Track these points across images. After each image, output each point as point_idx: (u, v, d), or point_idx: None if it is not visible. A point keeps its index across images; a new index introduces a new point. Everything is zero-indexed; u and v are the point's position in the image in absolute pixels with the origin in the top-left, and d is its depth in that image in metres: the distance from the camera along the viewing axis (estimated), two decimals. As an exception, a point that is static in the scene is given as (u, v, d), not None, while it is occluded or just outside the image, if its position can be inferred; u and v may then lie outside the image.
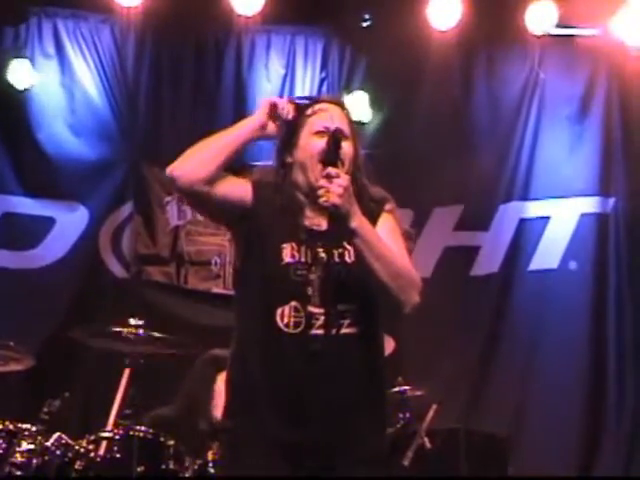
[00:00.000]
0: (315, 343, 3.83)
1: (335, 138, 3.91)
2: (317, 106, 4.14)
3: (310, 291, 3.88)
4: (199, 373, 5.92)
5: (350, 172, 3.93)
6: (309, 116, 4.10)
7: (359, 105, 8.01)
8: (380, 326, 4.04)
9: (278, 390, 3.88)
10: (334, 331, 3.85)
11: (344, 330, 3.88)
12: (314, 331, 3.85)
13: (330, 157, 3.88)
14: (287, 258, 3.92)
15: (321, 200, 3.79)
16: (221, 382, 5.67)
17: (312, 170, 3.94)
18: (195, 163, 3.85)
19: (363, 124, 7.99)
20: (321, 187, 3.80)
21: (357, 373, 3.92)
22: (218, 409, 5.70)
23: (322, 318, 3.84)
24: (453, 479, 5.53)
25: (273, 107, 3.97)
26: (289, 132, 4.09)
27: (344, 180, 3.79)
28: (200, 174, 3.82)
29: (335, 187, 3.78)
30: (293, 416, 3.85)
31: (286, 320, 3.88)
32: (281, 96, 7.75)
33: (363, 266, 3.85)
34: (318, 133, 4.00)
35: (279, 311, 3.89)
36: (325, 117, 4.06)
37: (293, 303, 3.89)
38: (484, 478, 5.27)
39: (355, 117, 4.28)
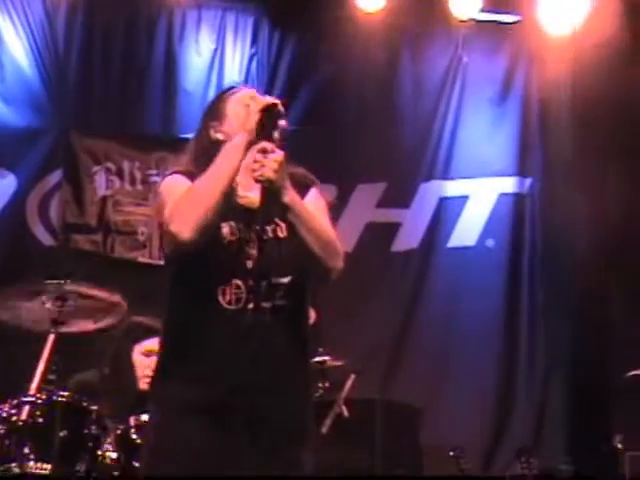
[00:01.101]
0: (253, 315, 3.83)
1: (271, 112, 3.89)
2: (232, 90, 4.20)
3: (249, 266, 3.88)
4: (120, 340, 5.88)
5: (283, 148, 3.94)
6: (234, 92, 4.13)
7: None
8: (309, 298, 4.07)
9: (215, 360, 3.88)
10: (270, 303, 3.88)
11: (278, 302, 3.91)
12: (250, 305, 3.85)
13: (265, 131, 3.86)
14: (227, 237, 3.92)
15: (256, 174, 3.80)
16: (138, 353, 5.74)
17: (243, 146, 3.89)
18: (195, 217, 3.80)
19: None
20: (256, 161, 3.79)
21: (289, 342, 3.96)
22: (141, 380, 5.69)
23: (260, 292, 3.84)
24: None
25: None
26: (214, 108, 4.12)
27: (279, 155, 3.80)
28: (203, 225, 3.80)
29: (270, 162, 3.79)
30: (228, 385, 3.84)
31: (228, 297, 3.90)
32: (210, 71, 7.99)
33: (296, 238, 3.87)
34: (241, 104, 4.00)
35: (221, 288, 3.89)
36: (252, 92, 4.07)
37: (234, 280, 3.89)
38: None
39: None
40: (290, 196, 3.85)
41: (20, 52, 7.85)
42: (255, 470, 3.80)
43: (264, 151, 3.81)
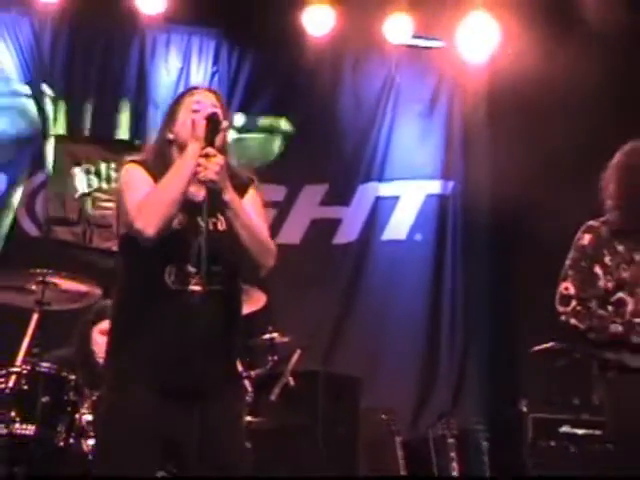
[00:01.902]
0: (193, 297, 3.84)
1: (212, 121, 3.90)
2: (193, 91, 4.15)
3: (192, 253, 3.86)
4: (83, 321, 5.86)
5: (225, 151, 3.97)
6: (186, 99, 4.09)
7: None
8: (241, 285, 4.09)
9: (160, 335, 3.85)
10: (208, 287, 3.85)
11: (215, 287, 3.89)
12: (192, 287, 3.86)
13: (209, 138, 3.87)
14: (175, 225, 3.88)
15: (200, 176, 3.81)
16: (96, 333, 5.72)
17: (187, 143, 3.92)
18: (158, 216, 3.79)
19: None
20: (200, 165, 3.80)
21: (223, 321, 3.95)
22: (100, 357, 5.65)
23: (200, 276, 3.83)
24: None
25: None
26: (169, 113, 4.10)
27: (220, 159, 3.81)
28: (164, 223, 3.80)
29: (212, 165, 3.80)
30: (172, 357, 3.83)
31: (172, 278, 3.87)
32: (177, 87, 7.93)
33: (232, 233, 3.87)
34: (194, 112, 3.98)
35: (167, 270, 3.86)
36: (199, 98, 4.06)
37: (179, 264, 3.88)
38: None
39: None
40: (230, 195, 3.86)
41: (11, 67, 7.80)
42: (202, 435, 3.76)
43: (207, 155, 3.81)
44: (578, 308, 4.47)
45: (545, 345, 6.64)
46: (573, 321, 4.46)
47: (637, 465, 4.37)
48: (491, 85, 8.30)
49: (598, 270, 4.52)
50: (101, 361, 5.52)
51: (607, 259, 4.53)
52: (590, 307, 4.47)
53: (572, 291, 4.51)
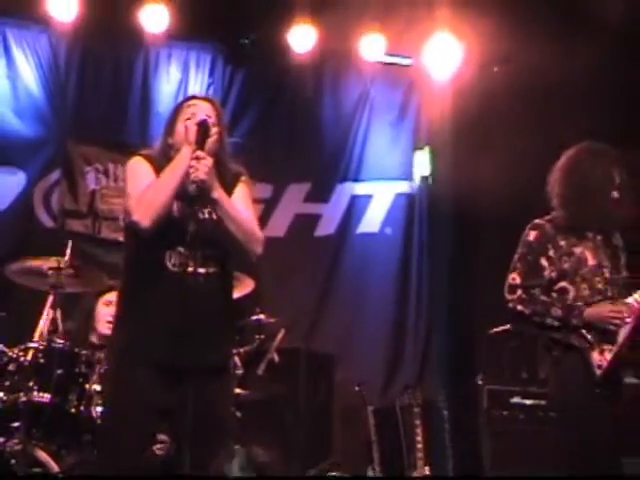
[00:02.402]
0: (190, 278, 3.88)
1: (202, 127, 3.97)
2: (190, 101, 4.22)
3: (188, 239, 3.90)
4: (88, 298, 5.88)
5: (215, 153, 4.02)
6: (183, 107, 4.17)
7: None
8: (233, 268, 4.15)
9: (162, 312, 3.90)
10: (204, 269, 3.92)
11: (210, 269, 3.95)
12: (190, 269, 3.89)
13: (200, 142, 3.94)
14: (175, 213, 3.95)
15: (192, 176, 3.88)
16: (100, 305, 5.77)
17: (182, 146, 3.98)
18: (154, 209, 3.86)
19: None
20: (191, 166, 3.87)
21: (217, 300, 4.01)
22: (101, 325, 5.69)
23: (196, 259, 3.89)
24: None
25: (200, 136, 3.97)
26: (169, 120, 4.17)
27: (209, 161, 3.90)
28: (159, 216, 3.86)
29: (202, 166, 3.88)
30: (172, 332, 3.86)
31: (173, 261, 3.92)
32: (177, 95, 7.95)
33: (221, 224, 3.94)
34: (188, 119, 4.05)
35: (168, 253, 3.92)
36: (193, 109, 4.12)
37: (178, 248, 3.92)
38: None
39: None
40: (217, 192, 3.92)
41: (30, 78, 7.78)
42: (196, 404, 3.80)
43: (197, 158, 3.89)
44: (523, 296, 4.55)
45: (500, 328, 6.68)
46: (519, 307, 4.55)
47: (575, 430, 4.44)
48: (454, 97, 8.27)
49: (543, 262, 4.59)
50: (104, 330, 5.63)
51: (551, 252, 4.60)
52: (534, 294, 4.54)
53: (518, 281, 4.59)
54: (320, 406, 7.48)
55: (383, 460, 6.96)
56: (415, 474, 6.81)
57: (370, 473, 6.90)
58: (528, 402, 6.55)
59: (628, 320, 4.47)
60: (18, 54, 7.77)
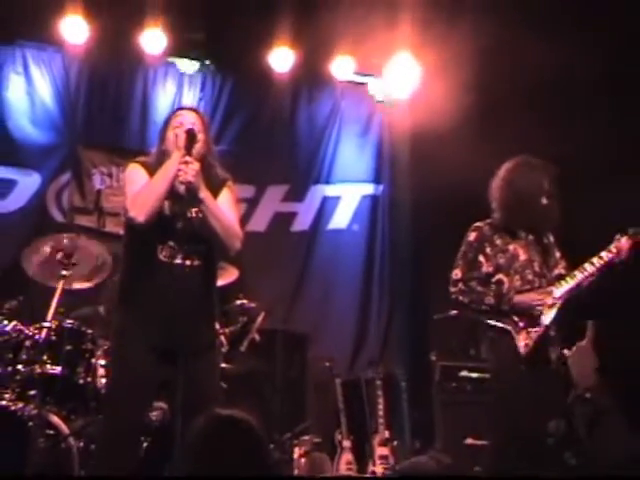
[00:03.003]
0: (178, 268, 3.93)
1: (190, 135, 4.02)
2: (178, 112, 4.26)
3: (177, 234, 3.95)
4: (113, 287, 5.91)
5: (202, 157, 4.07)
6: (172, 118, 4.20)
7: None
8: (216, 261, 4.18)
9: (155, 298, 3.93)
10: (190, 261, 3.97)
11: (196, 262, 3.99)
12: (178, 261, 3.94)
13: (188, 148, 3.99)
14: (166, 211, 3.99)
15: (180, 178, 3.93)
16: None
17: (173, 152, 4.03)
18: (147, 207, 3.90)
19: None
20: (180, 170, 3.92)
21: (200, 288, 4.04)
22: None
23: (184, 252, 3.95)
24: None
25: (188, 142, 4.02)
26: (162, 129, 4.22)
27: (196, 165, 3.95)
28: (151, 213, 3.89)
29: (190, 169, 3.93)
30: (164, 315, 3.90)
31: (164, 253, 3.96)
32: (172, 107, 7.94)
33: (206, 221, 3.97)
34: (177, 127, 4.10)
35: (160, 247, 3.96)
36: (180, 118, 4.16)
37: (169, 242, 3.96)
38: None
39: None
40: (203, 193, 3.96)
41: (46, 93, 7.80)
42: (188, 377, 3.84)
43: (186, 162, 3.95)
44: (463, 288, 4.65)
45: (444, 314, 6.74)
46: (460, 298, 4.67)
47: (503, 398, 4.57)
48: (412, 113, 8.28)
49: (481, 258, 4.69)
50: None
51: (488, 250, 4.70)
52: (471, 286, 4.64)
53: (460, 275, 4.69)
54: (295, 379, 7.49)
55: (349, 425, 6.97)
56: (377, 437, 6.90)
57: (338, 437, 6.91)
58: (474, 375, 6.61)
59: (550, 304, 4.60)
60: (35, 72, 7.80)
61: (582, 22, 6.66)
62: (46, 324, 5.39)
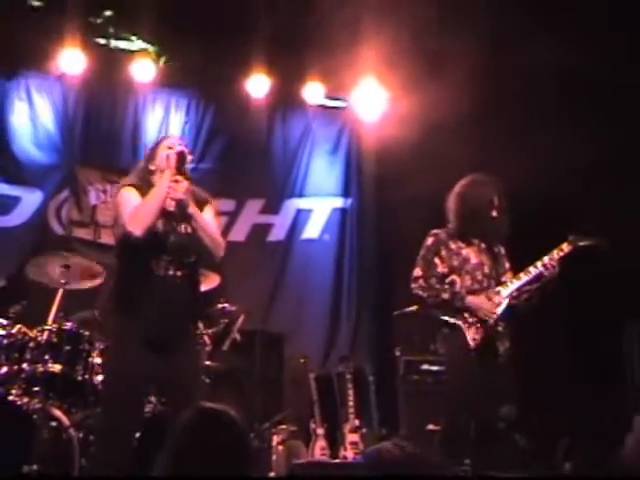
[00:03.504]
0: (171, 279, 3.96)
1: (181, 156, 4.06)
2: (169, 136, 4.40)
3: (169, 248, 3.97)
4: (105, 294, 5.90)
5: (188, 177, 4.10)
6: (163, 140, 4.24)
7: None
8: (200, 271, 4.24)
9: (148, 304, 3.95)
10: (180, 272, 4.00)
11: (185, 273, 4.04)
12: (170, 272, 3.97)
13: (179, 168, 4.03)
14: (160, 228, 4.00)
15: (171, 195, 3.98)
16: None
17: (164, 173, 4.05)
18: (144, 222, 3.90)
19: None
20: (170, 187, 3.96)
21: (189, 297, 4.07)
22: None
23: (175, 265, 3.97)
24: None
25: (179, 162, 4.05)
26: (151, 149, 4.22)
27: (186, 184, 4.01)
28: (148, 227, 3.90)
29: (180, 188, 3.99)
30: (156, 320, 3.94)
31: (157, 266, 3.98)
32: (161, 130, 7.99)
33: (195, 235, 4.00)
34: (169, 148, 4.13)
35: (154, 260, 3.98)
36: (171, 141, 4.20)
37: (161, 255, 3.98)
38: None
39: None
40: (192, 209, 4.02)
41: (47, 117, 7.78)
42: (176, 374, 3.88)
43: (176, 181, 3.99)
44: (423, 284, 4.76)
45: (402, 310, 6.84)
46: (420, 292, 4.77)
47: (454, 387, 4.70)
48: (379, 134, 8.28)
49: (437, 260, 4.81)
50: None
51: (443, 253, 4.82)
52: (430, 282, 4.75)
53: (420, 274, 4.80)
54: (273, 374, 7.44)
55: (323, 415, 6.97)
56: (348, 425, 6.93)
57: (312, 425, 6.93)
58: (434, 368, 6.56)
59: (497, 303, 4.70)
60: (38, 99, 7.79)
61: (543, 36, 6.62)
62: (47, 327, 5.39)
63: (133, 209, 3.97)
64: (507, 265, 4.93)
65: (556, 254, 4.71)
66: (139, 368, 3.93)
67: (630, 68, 6.72)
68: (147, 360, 3.93)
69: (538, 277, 4.73)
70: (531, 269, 4.73)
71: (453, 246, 4.81)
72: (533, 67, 6.71)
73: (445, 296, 4.69)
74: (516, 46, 6.62)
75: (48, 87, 7.82)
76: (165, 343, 3.93)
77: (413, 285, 4.77)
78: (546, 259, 4.71)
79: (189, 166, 4.24)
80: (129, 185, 4.15)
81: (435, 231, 4.89)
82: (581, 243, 4.76)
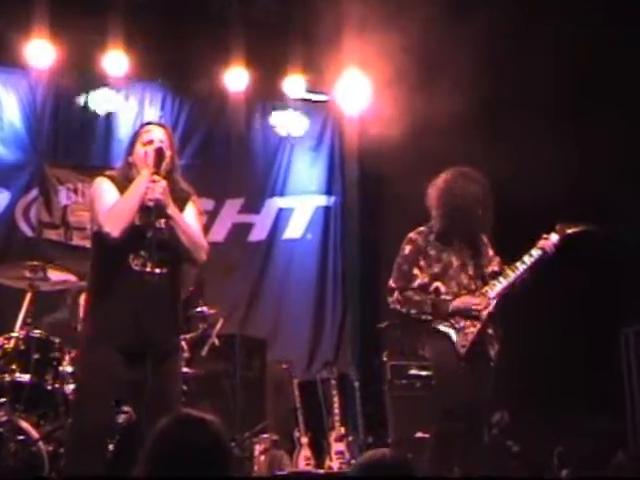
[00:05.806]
0: (148, 276, 3.89)
1: (159, 153, 4.00)
2: (147, 127, 4.21)
3: (147, 244, 3.90)
4: (79, 290, 5.85)
5: (168, 173, 4.04)
6: (142, 133, 4.15)
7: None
8: (182, 268, 4.13)
9: (125, 304, 3.90)
10: (159, 269, 3.92)
11: (164, 270, 3.96)
12: (148, 269, 3.89)
13: (156, 166, 3.97)
14: (137, 222, 3.95)
15: (148, 196, 3.90)
16: (83, 297, 5.62)
17: (141, 168, 4.01)
18: (121, 223, 3.86)
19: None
20: (148, 187, 3.91)
21: (168, 296, 4.01)
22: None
23: (153, 261, 3.89)
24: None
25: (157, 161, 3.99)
26: (130, 142, 4.16)
27: (163, 183, 3.93)
28: (125, 228, 3.85)
29: (158, 188, 3.91)
30: (132, 321, 3.87)
31: (136, 261, 3.91)
32: (135, 126, 7.88)
33: (174, 233, 3.96)
34: (144, 144, 4.06)
35: (132, 255, 3.92)
36: (150, 134, 4.11)
37: (139, 251, 3.92)
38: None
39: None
40: (171, 209, 3.94)
41: (13, 113, 7.71)
42: (152, 379, 3.79)
43: (154, 181, 3.93)
44: (399, 297, 4.67)
45: (386, 323, 6.79)
46: (398, 307, 4.68)
47: (440, 392, 4.68)
48: (362, 129, 8.26)
49: (415, 271, 4.70)
50: None
51: (422, 263, 4.70)
52: (407, 295, 4.65)
53: (394, 285, 4.70)
54: (254, 380, 7.40)
55: (307, 423, 6.99)
56: (333, 434, 6.92)
57: (296, 434, 6.91)
58: (422, 373, 6.57)
59: (485, 305, 4.65)
60: (3, 94, 7.71)
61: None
62: (14, 334, 5.31)
63: (109, 209, 3.92)
64: (491, 252, 4.85)
65: (542, 243, 4.67)
66: (110, 375, 3.89)
67: (629, 66, 6.80)
68: (120, 366, 3.89)
69: (527, 271, 4.69)
70: (518, 264, 4.68)
71: (432, 252, 4.71)
72: (524, 62, 6.71)
73: (428, 309, 4.62)
74: (508, 39, 6.66)
75: (14, 80, 7.75)
76: (143, 346, 3.84)
77: (390, 299, 4.70)
78: (533, 251, 4.68)
79: (180, 162, 4.21)
80: (104, 175, 4.11)
81: (412, 236, 4.78)
82: (569, 231, 4.71)
